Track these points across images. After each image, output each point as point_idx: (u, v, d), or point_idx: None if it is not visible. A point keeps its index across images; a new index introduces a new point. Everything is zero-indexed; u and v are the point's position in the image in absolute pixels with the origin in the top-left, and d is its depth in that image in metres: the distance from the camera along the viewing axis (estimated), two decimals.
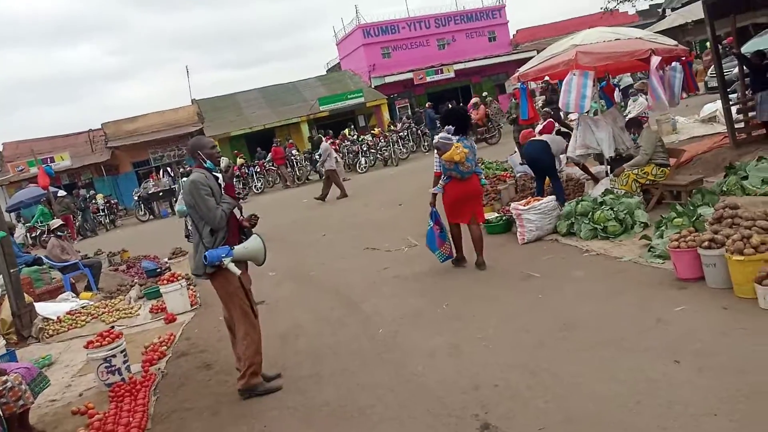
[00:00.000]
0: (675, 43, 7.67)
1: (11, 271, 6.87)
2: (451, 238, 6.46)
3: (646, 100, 12.86)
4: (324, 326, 5.48)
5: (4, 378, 4.04)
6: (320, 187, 14.90)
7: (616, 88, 15.36)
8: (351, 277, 7.05)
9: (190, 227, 12.01)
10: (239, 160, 22.20)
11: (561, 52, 7.53)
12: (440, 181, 6.20)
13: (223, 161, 4.22)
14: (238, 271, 3.99)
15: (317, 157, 15.98)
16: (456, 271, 6.39)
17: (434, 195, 6.32)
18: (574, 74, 6.80)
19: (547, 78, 8.87)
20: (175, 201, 16.01)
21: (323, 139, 17.51)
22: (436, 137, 6.24)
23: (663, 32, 13.20)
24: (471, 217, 6.22)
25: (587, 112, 7.98)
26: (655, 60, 6.72)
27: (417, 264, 7.00)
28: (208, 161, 4.16)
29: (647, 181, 7.09)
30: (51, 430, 4.33)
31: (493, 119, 20.76)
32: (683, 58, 7.54)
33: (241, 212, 4.40)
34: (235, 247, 4.07)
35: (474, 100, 21.38)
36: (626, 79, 19.05)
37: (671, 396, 3.06)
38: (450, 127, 6.12)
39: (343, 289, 6.61)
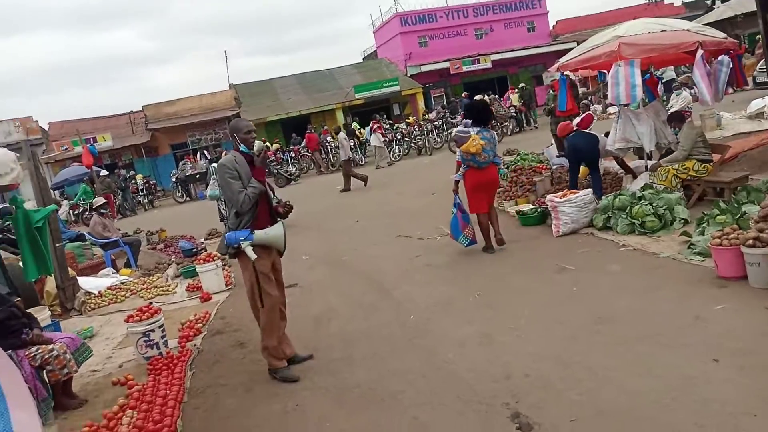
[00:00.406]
0: (723, 35, 7.43)
1: (57, 245, 7.11)
2: (471, 223, 6.79)
3: (690, 94, 12.55)
4: (356, 311, 5.54)
5: (50, 346, 4.22)
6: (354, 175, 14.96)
7: (659, 82, 14.97)
8: (383, 264, 7.10)
9: (222, 211, 12.25)
10: (275, 145, 22.46)
11: (603, 43, 7.36)
12: (460, 169, 6.58)
13: (257, 145, 4.14)
14: (253, 256, 3.97)
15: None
16: (488, 261, 6.37)
17: (456, 182, 6.69)
18: (619, 65, 6.65)
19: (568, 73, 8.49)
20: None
21: (342, 129, 17.46)
22: (454, 130, 6.75)
23: (711, 25, 12.80)
24: (490, 205, 6.65)
25: (627, 105, 7.81)
26: (699, 53, 6.51)
27: (449, 253, 7.00)
28: (242, 144, 4.16)
29: (688, 176, 6.92)
30: (92, 398, 4.50)
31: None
32: (732, 52, 7.30)
33: (273, 195, 4.40)
34: (256, 231, 4.06)
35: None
36: (669, 73, 18.55)
37: (708, 394, 3.01)
38: (467, 120, 6.55)
39: (375, 275, 6.65)
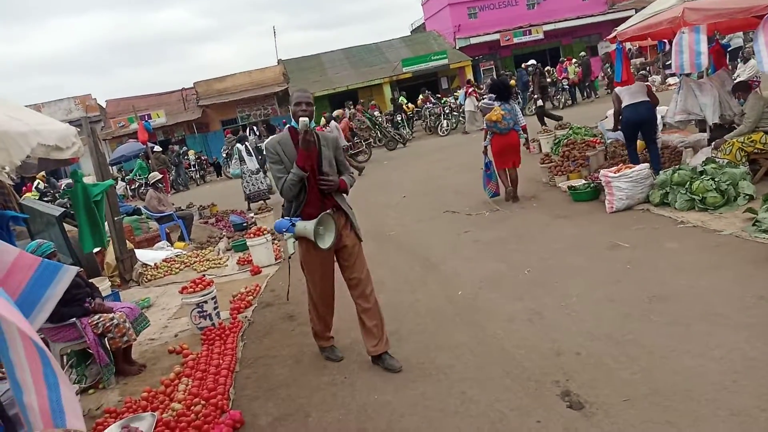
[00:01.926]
0: None
1: (115, 219, 7.40)
2: (499, 179, 8.26)
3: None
4: (403, 285, 5.55)
5: (111, 315, 4.41)
6: (398, 151, 14.71)
7: (726, 50, 14.17)
8: (430, 239, 7.06)
9: (245, 189, 12.36)
10: (322, 120, 22.52)
11: (665, 9, 6.98)
12: (487, 136, 8.07)
13: (301, 122, 3.56)
14: (291, 250, 3.81)
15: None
16: (539, 238, 6.24)
17: (485, 147, 8.14)
18: (683, 32, 6.30)
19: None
20: (229, 166, 15.96)
21: (334, 116, 16.32)
22: (481, 102, 8.61)
23: None
24: (512, 163, 7.99)
25: (689, 74, 7.43)
26: (766, 18, 6.07)
27: (498, 229, 6.90)
28: (293, 119, 3.70)
29: (755, 150, 6.54)
30: (150, 365, 4.69)
31: (361, 134, 17.78)
32: None
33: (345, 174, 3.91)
34: (297, 223, 3.70)
35: (336, 112, 18.20)
36: (737, 40, 17.50)
37: None
38: (492, 95, 8.07)
39: (422, 250, 6.63)
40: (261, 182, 12.09)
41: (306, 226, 3.61)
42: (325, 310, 4.07)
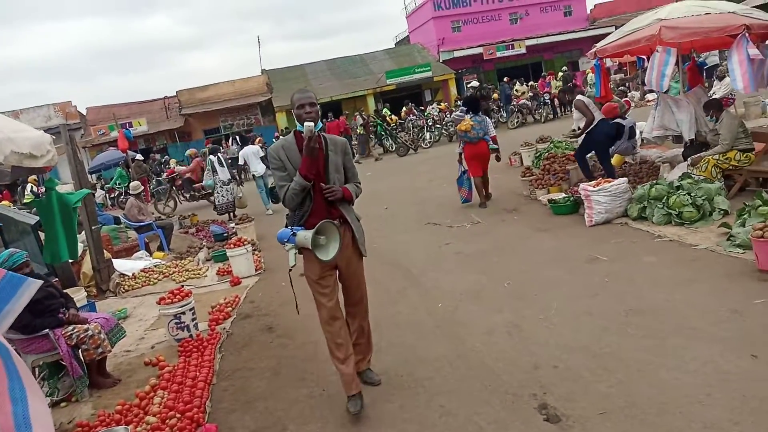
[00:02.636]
0: None
1: (93, 228, 7.29)
2: (472, 185, 8.85)
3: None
4: (384, 297, 5.53)
5: (86, 326, 4.33)
6: (382, 163, 14.84)
7: (702, 68, 14.48)
8: (412, 251, 7.07)
9: (212, 200, 12.37)
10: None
11: (644, 27, 7.13)
12: (460, 144, 8.76)
13: (306, 127, 3.22)
14: (291, 263, 3.38)
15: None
16: (519, 251, 6.29)
17: (459, 154, 8.85)
18: (657, 51, 6.46)
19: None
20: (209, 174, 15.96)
21: (253, 140, 15.76)
22: (453, 114, 9.88)
23: (760, 7, 12.27)
24: (483, 171, 8.67)
25: (666, 91, 7.58)
26: (740, 37, 6.23)
27: (479, 241, 6.93)
28: (298, 122, 3.38)
29: (729, 166, 6.68)
30: (125, 378, 4.61)
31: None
32: None
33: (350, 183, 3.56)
34: (298, 233, 3.36)
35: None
36: (713, 58, 17.91)
37: (746, 390, 2.91)
38: (463, 108, 8.73)
39: (404, 262, 6.63)
40: (230, 193, 12.13)
41: (306, 236, 3.32)
42: (338, 326, 3.51)
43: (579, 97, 8.19)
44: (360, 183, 3.66)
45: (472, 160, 8.64)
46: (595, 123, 7.89)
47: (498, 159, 8.93)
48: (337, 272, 3.58)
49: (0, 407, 1.97)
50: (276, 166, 3.43)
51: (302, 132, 3.32)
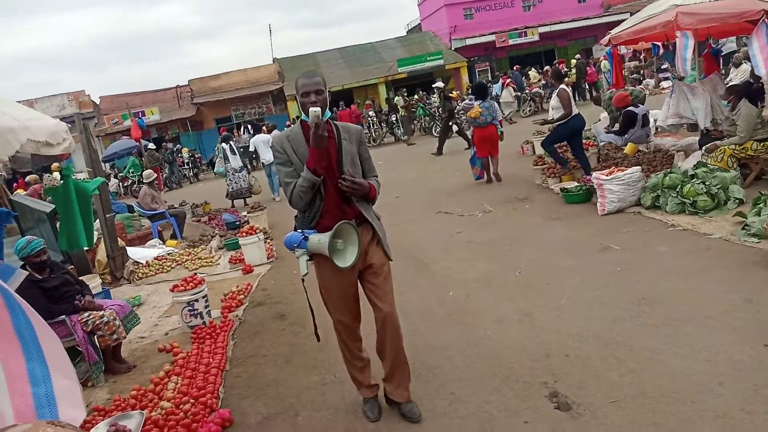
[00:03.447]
0: None
1: (107, 216, 7.37)
2: (482, 163, 9.77)
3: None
4: (395, 285, 5.52)
5: (101, 313, 4.39)
6: (391, 151, 14.83)
7: (719, 54, 14.24)
8: (423, 240, 7.07)
9: (227, 187, 12.56)
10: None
11: (660, 13, 7.04)
12: (471, 128, 9.99)
13: (312, 113, 2.77)
14: (303, 271, 2.95)
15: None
16: (531, 240, 6.27)
17: (470, 137, 10.44)
18: (678, 36, 6.39)
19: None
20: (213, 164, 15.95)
21: (263, 129, 14.92)
22: (463, 102, 11.85)
23: None
24: (489, 152, 9.57)
25: (682, 78, 7.50)
26: (762, 22, 6.13)
27: (491, 230, 6.92)
28: (303, 111, 2.95)
29: (746, 156, 6.59)
30: (140, 364, 4.68)
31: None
32: None
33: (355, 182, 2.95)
34: (311, 237, 2.92)
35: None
36: (730, 45, 17.60)
37: (758, 380, 2.90)
38: (472, 95, 9.81)
39: (414, 251, 6.64)
40: (243, 180, 12.45)
41: (320, 240, 2.87)
42: (357, 345, 3.26)
43: (563, 86, 8.25)
44: (378, 176, 3.19)
45: (482, 143, 9.49)
46: (570, 117, 8.01)
47: (501, 138, 9.89)
48: (358, 281, 3.13)
49: (18, 390, 2.04)
50: (280, 160, 2.97)
51: (306, 120, 2.89)
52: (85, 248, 6.44)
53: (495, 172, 9.62)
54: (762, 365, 3.03)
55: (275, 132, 12.00)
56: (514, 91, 20.18)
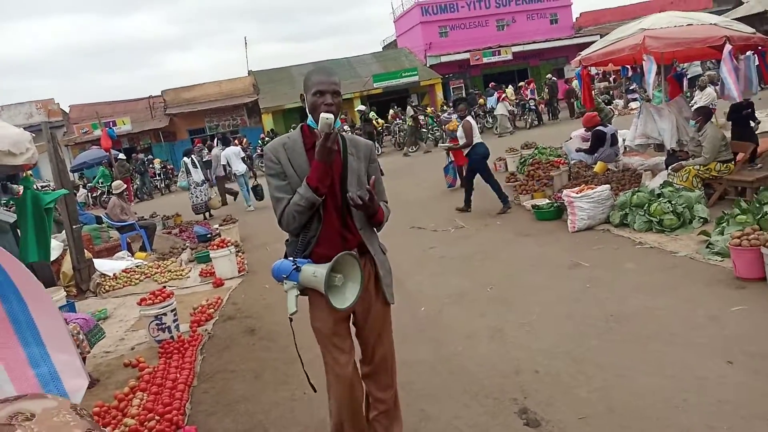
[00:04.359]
0: (752, 30, 7.25)
1: (74, 227, 7.20)
2: (456, 173, 10.74)
3: (715, 90, 12.30)
4: None
5: None
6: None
7: (684, 77, 14.70)
8: (396, 255, 6.97)
9: (189, 199, 12.65)
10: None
11: (628, 36, 7.23)
12: (448, 140, 11.26)
13: (323, 120, 2.29)
14: (291, 309, 2.45)
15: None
16: (502, 256, 6.32)
17: (447, 148, 10.92)
18: (644, 60, 6.61)
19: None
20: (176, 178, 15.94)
21: (214, 145, 16.22)
22: (443, 115, 14.24)
23: (740, 20, 12.53)
24: (464, 161, 9.50)
25: (649, 100, 7.71)
26: (727, 48, 6.36)
27: (463, 245, 6.97)
28: (310, 114, 2.48)
29: (709, 176, 6.79)
30: (104, 379, 4.55)
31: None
32: (760, 48, 7.12)
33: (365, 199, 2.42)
34: (304, 267, 2.44)
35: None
36: (695, 68, 18.19)
37: (721, 396, 2.96)
38: (451, 110, 10.66)
39: None
40: (204, 194, 12.66)
41: (315, 273, 2.39)
42: (357, 407, 2.68)
43: (468, 119, 8.68)
44: (387, 202, 2.74)
45: (458, 152, 10.16)
46: (473, 145, 8.43)
47: None
48: (351, 321, 2.68)
49: (20, 375, 2.14)
50: (272, 171, 2.48)
51: (313, 127, 2.46)
52: (51, 260, 6.27)
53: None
54: (725, 381, 3.10)
55: (274, 140, 12.19)
56: (510, 105, 20.59)
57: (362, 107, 22.41)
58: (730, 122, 7.52)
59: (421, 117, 21.00)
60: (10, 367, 2.23)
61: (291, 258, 2.49)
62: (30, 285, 2.46)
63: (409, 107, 21.64)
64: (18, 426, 1.82)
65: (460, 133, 8.81)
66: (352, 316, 2.67)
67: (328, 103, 2.39)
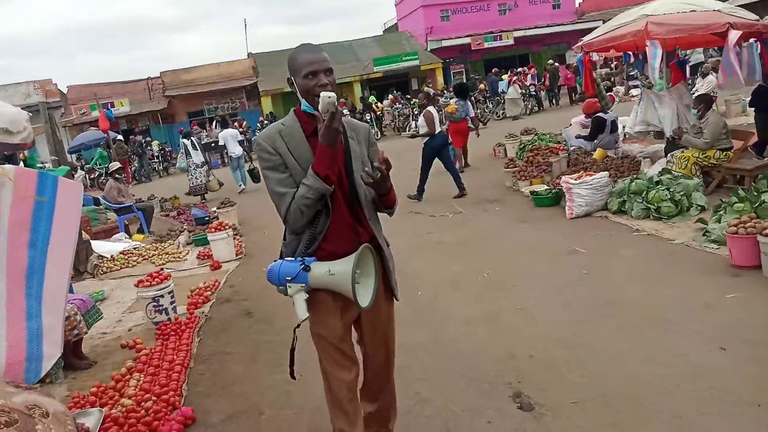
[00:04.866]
0: (756, 17, 7.19)
1: None
2: (455, 155, 10.78)
3: (717, 78, 12.25)
4: None
5: None
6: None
7: (686, 64, 14.60)
8: (393, 240, 6.93)
9: (188, 180, 12.75)
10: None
11: (630, 22, 7.18)
12: (447, 122, 11.06)
13: (326, 99, 2.05)
14: (303, 315, 2.21)
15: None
16: (500, 241, 6.33)
17: (446, 130, 10.46)
18: (648, 45, 6.55)
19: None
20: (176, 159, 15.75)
21: (233, 124, 15.69)
22: (442, 99, 13.43)
23: (744, 6, 12.42)
24: (462, 143, 11.24)
25: (651, 87, 7.68)
26: (734, 35, 6.30)
27: (460, 231, 6.97)
28: (303, 99, 2.22)
29: (708, 164, 6.77)
30: (101, 360, 4.57)
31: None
32: (763, 35, 7.06)
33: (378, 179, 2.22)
34: (313, 266, 2.17)
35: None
36: (697, 55, 18.07)
37: (714, 382, 2.98)
38: (450, 93, 11.16)
39: None
40: (204, 176, 12.81)
41: (332, 271, 2.13)
42: (354, 412, 2.39)
43: (429, 108, 9.03)
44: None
45: (455, 135, 11.01)
46: (434, 135, 8.80)
47: (477, 135, 11.68)
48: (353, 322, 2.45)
49: (16, 324, 2.31)
50: (271, 163, 2.21)
51: (309, 111, 2.21)
52: None
53: (466, 162, 11.41)
54: (717, 368, 3.12)
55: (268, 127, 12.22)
56: (521, 87, 20.54)
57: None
58: (753, 108, 7.51)
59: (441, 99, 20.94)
60: (11, 314, 2.35)
61: (298, 258, 2.21)
62: (68, 214, 2.63)
63: (427, 88, 21.55)
64: (38, 421, 1.84)
65: (421, 122, 9.05)
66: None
67: (323, 84, 2.15)
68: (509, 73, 22.54)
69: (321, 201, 2.18)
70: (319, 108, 2.09)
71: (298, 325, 2.23)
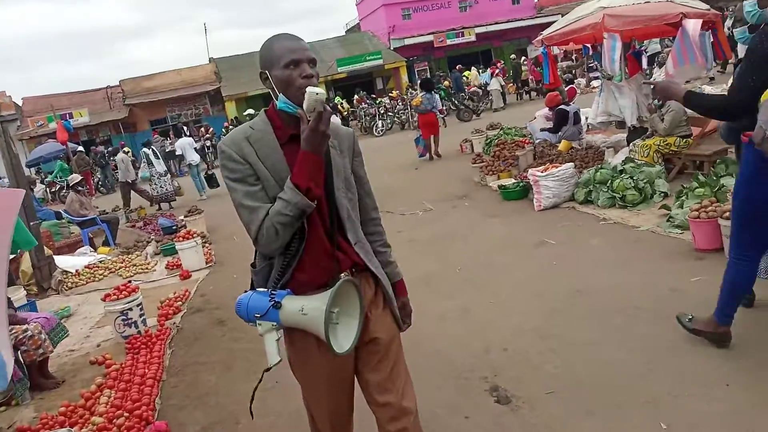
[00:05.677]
0: (707, 7, 7.39)
1: (31, 223, 6.97)
2: (425, 144, 12.16)
3: (666, 67, 12.55)
4: None
5: (24, 327, 4.15)
6: None
7: (643, 54, 14.94)
8: None
9: (150, 189, 12.78)
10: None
11: (587, 15, 7.31)
12: (415, 114, 13.00)
13: (313, 96, 1.70)
14: (273, 359, 1.82)
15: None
16: (470, 237, 6.37)
17: (416, 122, 12.75)
18: (605, 38, 6.68)
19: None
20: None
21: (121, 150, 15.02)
22: (408, 92, 18.20)
23: None
24: (430, 133, 12.18)
25: (610, 78, 7.82)
26: (696, 23, 6.47)
27: (431, 228, 6.99)
28: (281, 95, 1.80)
29: (669, 151, 6.94)
30: (70, 378, 4.44)
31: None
32: (713, 24, 7.27)
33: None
34: (284, 301, 1.78)
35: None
36: (654, 46, 18.51)
37: (683, 365, 3.04)
38: (417, 87, 11.67)
39: None
40: (168, 184, 12.96)
41: (304, 309, 1.76)
42: None
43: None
44: (378, 209, 2.19)
45: (423, 126, 12.14)
46: None
47: (444, 125, 13.30)
48: (354, 358, 2.00)
49: None
50: (238, 174, 1.80)
51: (288, 110, 1.79)
52: (11, 256, 6.06)
53: (436, 152, 12.19)
54: (686, 351, 3.19)
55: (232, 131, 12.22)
56: (503, 80, 21.02)
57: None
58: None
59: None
60: None
61: (265, 290, 1.83)
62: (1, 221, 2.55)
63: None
64: None
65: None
66: (354, 356, 1.99)
67: (308, 75, 1.78)
68: (491, 66, 23.24)
69: (300, 220, 1.78)
70: (304, 106, 1.72)
71: (269, 369, 1.87)
